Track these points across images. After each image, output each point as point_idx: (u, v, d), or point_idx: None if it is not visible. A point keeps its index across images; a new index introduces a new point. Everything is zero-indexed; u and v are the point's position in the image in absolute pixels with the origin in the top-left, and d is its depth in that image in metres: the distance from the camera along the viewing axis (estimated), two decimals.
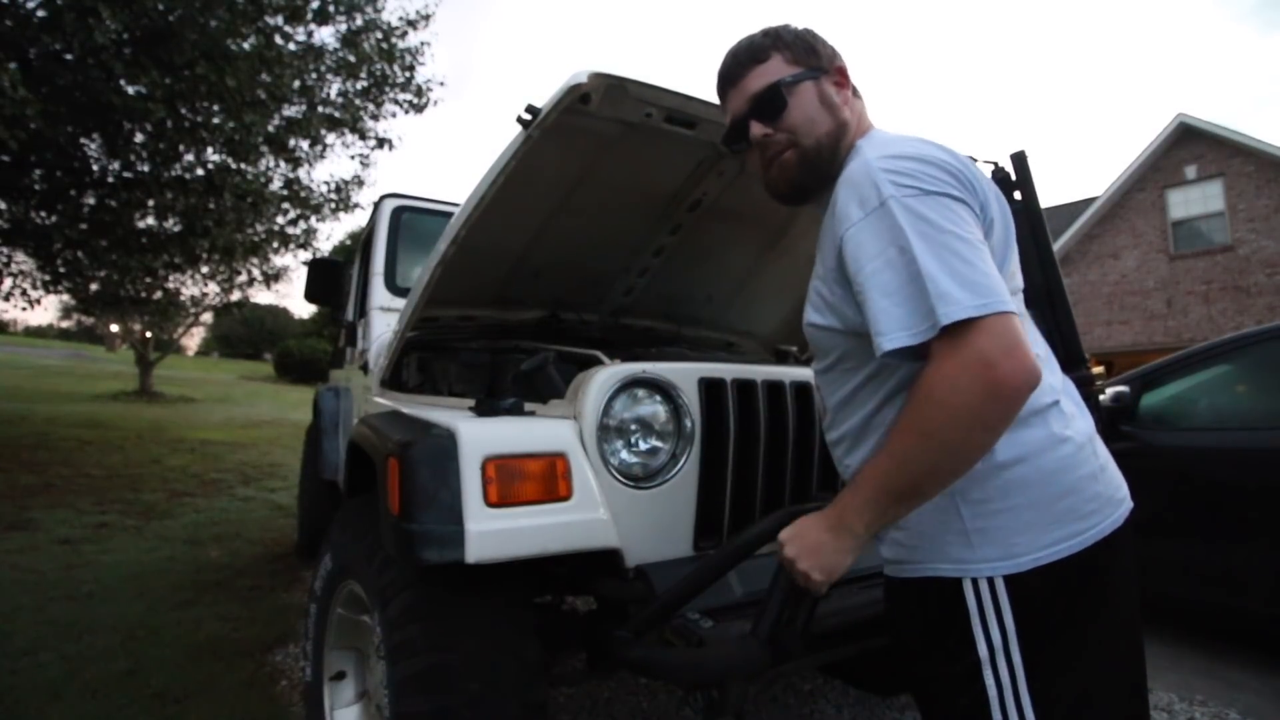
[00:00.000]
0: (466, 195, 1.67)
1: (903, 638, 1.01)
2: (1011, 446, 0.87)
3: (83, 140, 6.57)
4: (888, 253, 0.84)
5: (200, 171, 7.03)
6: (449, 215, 3.07)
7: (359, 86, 7.96)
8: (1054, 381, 0.93)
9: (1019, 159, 1.10)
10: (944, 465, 0.81)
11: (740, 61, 1.07)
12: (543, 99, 1.49)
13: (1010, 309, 0.79)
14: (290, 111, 7.23)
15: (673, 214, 2.06)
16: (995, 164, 1.10)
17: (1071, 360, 1.13)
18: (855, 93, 1.08)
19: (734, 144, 1.11)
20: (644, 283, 2.31)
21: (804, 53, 1.05)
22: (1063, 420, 0.90)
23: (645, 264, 2.23)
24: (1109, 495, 0.91)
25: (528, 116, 1.46)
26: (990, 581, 0.87)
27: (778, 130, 1.04)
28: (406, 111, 8.44)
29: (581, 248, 2.09)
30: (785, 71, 1.04)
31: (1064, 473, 0.88)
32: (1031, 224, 1.10)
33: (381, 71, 7.95)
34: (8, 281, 8.53)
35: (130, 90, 5.53)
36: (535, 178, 1.66)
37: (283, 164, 7.99)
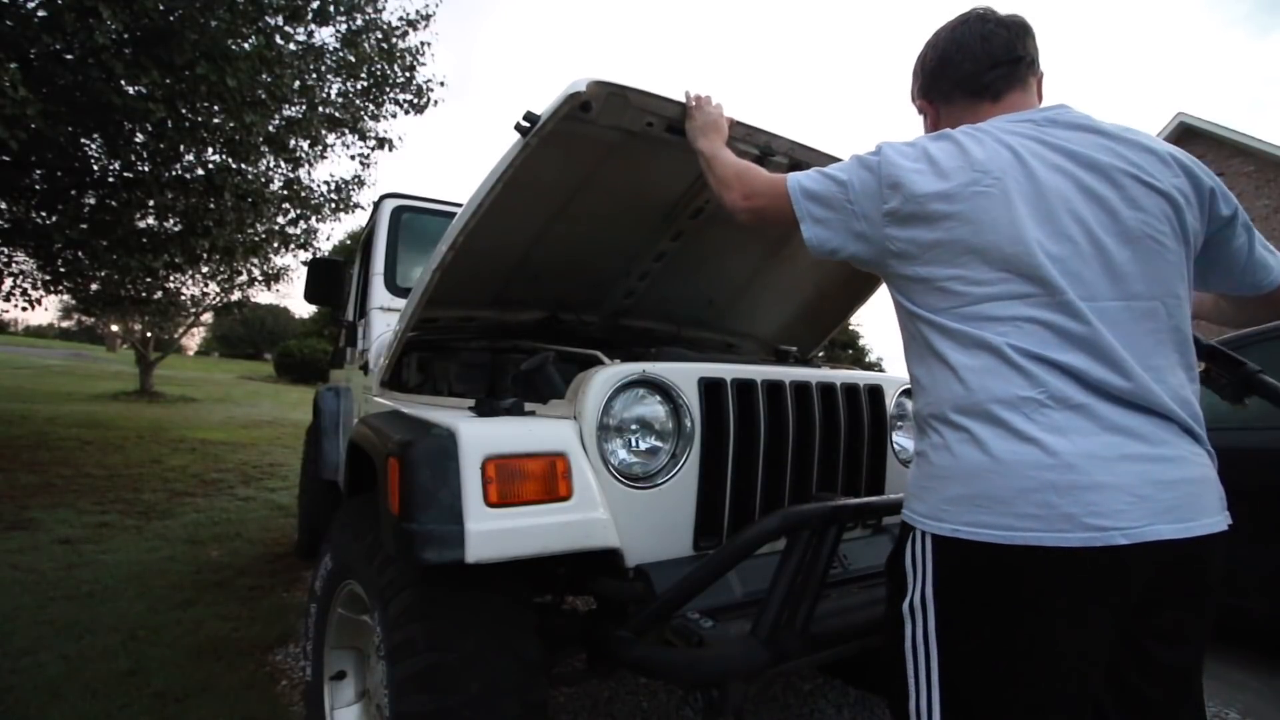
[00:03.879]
0: (467, 199, 1.67)
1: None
2: (968, 428, 0.92)
3: (83, 140, 6.56)
4: None
5: (200, 171, 7.02)
6: (449, 215, 3.07)
7: (359, 86, 7.94)
8: (1057, 386, 0.88)
9: None
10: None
11: None
12: (544, 103, 1.47)
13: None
14: (290, 111, 7.21)
15: (675, 220, 2.04)
16: None
17: None
18: (959, 103, 1.11)
19: None
20: (644, 286, 2.30)
21: (913, 100, 1.21)
22: (1039, 421, 0.87)
23: (646, 268, 2.22)
24: (1073, 514, 0.84)
25: (526, 124, 1.44)
26: (923, 538, 0.96)
27: None
28: (407, 112, 8.42)
29: (582, 252, 2.08)
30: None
31: (1011, 467, 0.87)
32: None
33: (381, 71, 7.93)
34: (8, 281, 8.52)
35: (130, 90, 5.52)
36: (535, 183, 1.65)
37: (283, 164, 7.97)
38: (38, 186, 6.99)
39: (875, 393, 1.77)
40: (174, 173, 6.81)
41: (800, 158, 1.74)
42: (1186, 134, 13.01)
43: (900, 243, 0.99)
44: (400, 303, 2.71)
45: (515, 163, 1.49)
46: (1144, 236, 0.94)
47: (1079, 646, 0.89)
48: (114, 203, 6.90)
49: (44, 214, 7.22)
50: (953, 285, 0.95)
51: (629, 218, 2.00)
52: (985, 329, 0.93)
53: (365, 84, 7.95)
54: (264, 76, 6.14)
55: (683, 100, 1.51)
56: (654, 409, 1.44)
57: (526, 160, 1.50)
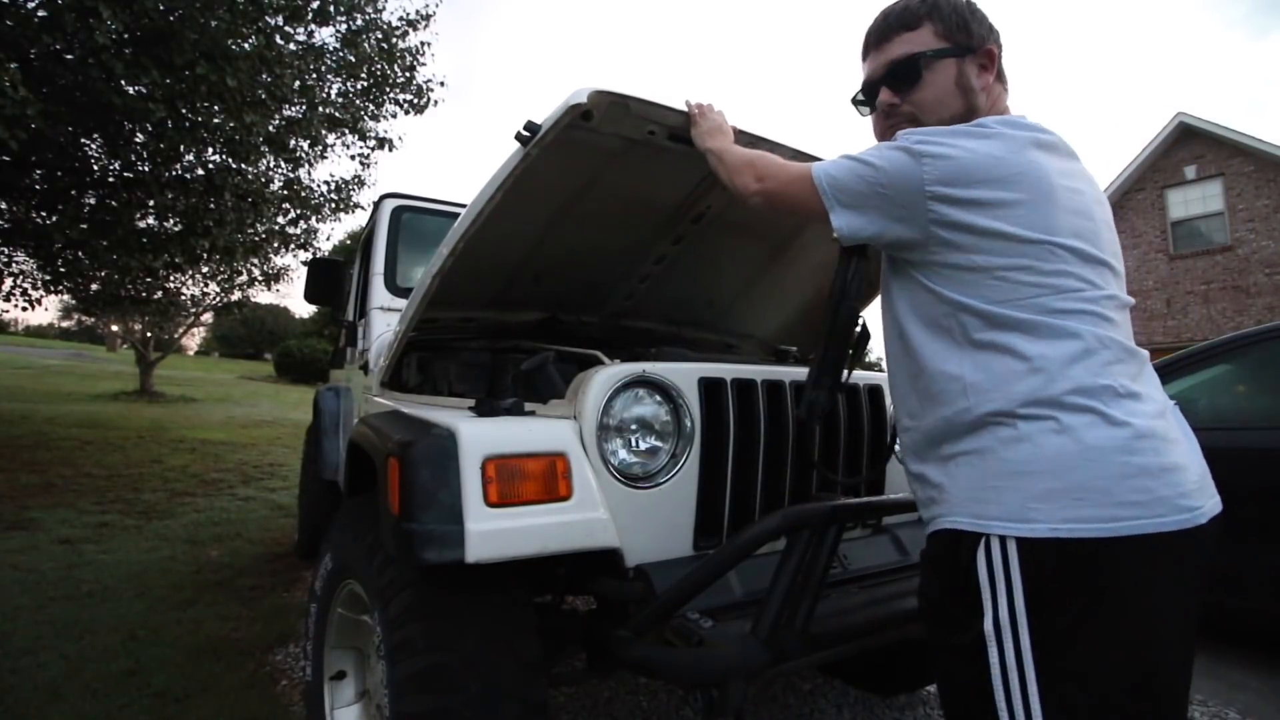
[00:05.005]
0: (468, 204, 1.66)
1: (923, 604, 1.03)
2: (1054, 417, 0.87)
3: (83, 140, 6.56)
4: None
5: (200, 171, 7.03)
6: (449, 215, 3.07)
7: (359, 86, 7.95)
8: (1122, 372, 0.91)
9: None
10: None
11: (890, 24, 1.09)
12: (544, 102, 1.47)
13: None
14: (290, 111, 7.22)
15: (675, 225, 2.04)
16: None
17: None
18: (1000, 77, 1.09)
19: (862, 104, 1.16)
20: (644, 288, 2.30)
21: (955, 28, 1.06)
22: (1120, 406, 0.87)
23: (646, 270, 2.22)
24: (1167, 497, 0.85)
25: (527, 134, 1.43)
26: (1003, 544, 0.87)
27: (905, 102, 1.08)
28: (407, 112, 8.42)
29: (582, 254, 2.08)
30: (931, 45, 1.06)
31: (1105, 453, 0.85)
32: None
33: (381, 71, 7.94)
34: (8, 281, 8.53)
35: (130, 90, 5.52)
36: (536, 188, 1.65)
37: (283, 164, 7.98)
38: (38, 186, 6.99)
39: (875, 393, 1.77)
40: (174, 173, 6.82)
41: None
42: (1186, 134, 13.02)
43: (949, 228, 0.93)
44: (400, 303, 2.71)
45: (515, 172, 1.48)
46: (1115, 240, 1.02)
47: (1179, 634, 0.88)
48: (114, 203, 6.90)
49: (44, 214, 7.23)
50: (1017, 276, 0.91)
51: (630, 222, 2.00)
52: (1064, 319, 0.91)
53: (365, 84, 7.96)
54: (264, 76, 6.15)
55: (684, 109, 1.50)
56: (654, 409, 1.44)
57: (526, 170, 1.49)
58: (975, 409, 0.93)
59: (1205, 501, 0.89)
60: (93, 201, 7.16)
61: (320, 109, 7.51)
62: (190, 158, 6.89)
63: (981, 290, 0.93)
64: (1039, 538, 0.84)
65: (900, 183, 0.95)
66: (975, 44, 1.06)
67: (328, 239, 24.83)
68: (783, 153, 1.70)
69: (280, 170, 8.12)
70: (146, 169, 6.61)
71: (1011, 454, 0.89)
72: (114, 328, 23.14)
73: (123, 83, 5.34)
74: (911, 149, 0.95)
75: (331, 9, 6.81)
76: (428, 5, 8.39)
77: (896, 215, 0.97)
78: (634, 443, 1.42)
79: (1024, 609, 0.85)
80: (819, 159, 1.75)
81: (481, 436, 1.25)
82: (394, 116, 8.65)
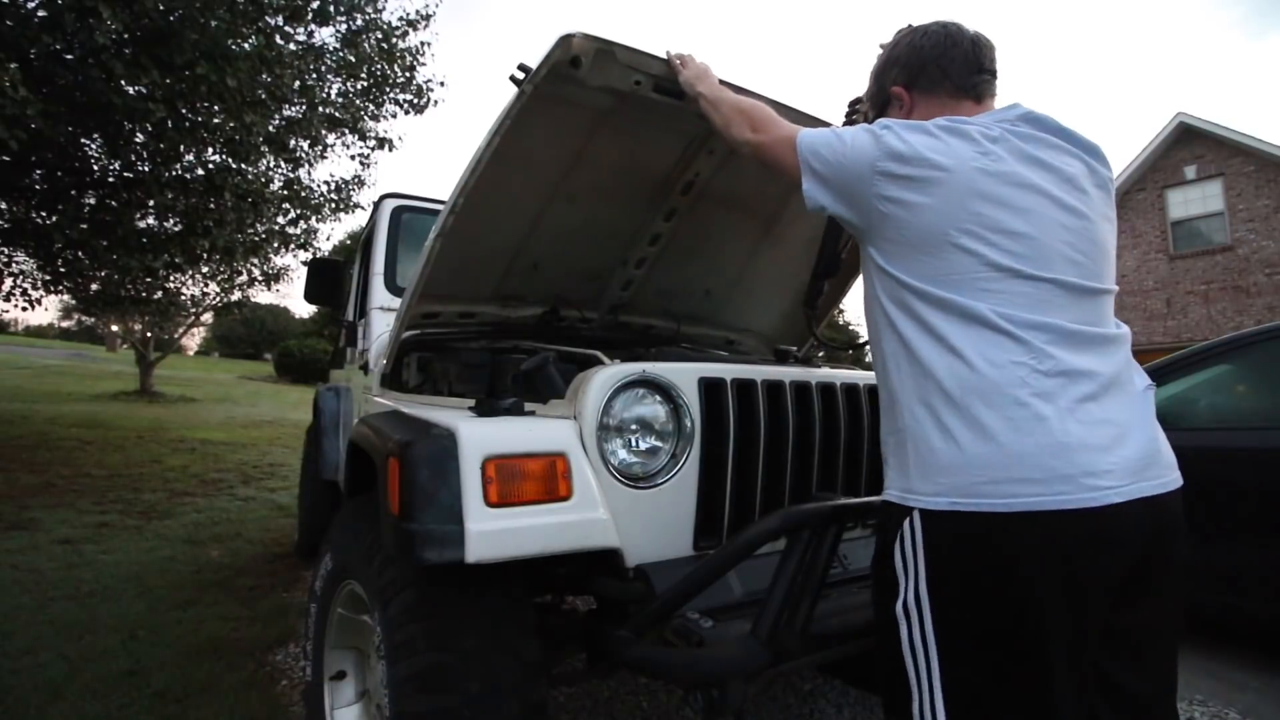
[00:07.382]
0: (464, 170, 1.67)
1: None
2: (965, 404, 0.90)
3: (83, 140, 6.56)
4: None
5: (200, 171, 7.02)
6: None
7: (359, 86, 7.96)
8: (1049, 355, 0.91)
9: None
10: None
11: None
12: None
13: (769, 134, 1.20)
14: (290, 111, 7.22)
15: (667, 197, 2.07)
16: None
17: None
18: (943, 96, 1.14)
19: None
20: (641, 275, 2.31)
21: (874, 95, 1.24)
22: (1029, 387, 0.89)
23: (642, 254, 2.24)
24: (1070, 475, 0.85)
25: (520, 74, 1.47)
26: (911, 522, 0.92)
27: None
28: (407, 112, 8.44)
29: (578, 237, 2.10)
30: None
31: (1009, 433, 0.87)
32: None
33: (381, 71, 7.94)
34: (8, 281, 8.53)
35: (130, 90, 5.52)
36: (529, 159, 1.67)
37: (283, 164, 7.99)
38: (38, 186, 6.99)
39: (875, 393, 1.77)
40: (174, 173, 6.81)
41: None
42: (1186, 134, 13.01)
43: (888, 203, 0.99)
44: (400, 303, 2.71)
45: (511, 114, 1.50)
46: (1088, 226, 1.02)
47: (1080, 619, 0.88)
48: (114, 203, 6.90)
49: (44, 214, 7.22)
50: (944, 253, 0.96)
51: (622, 196, 2.03)
52: (980, 300, 0.93)
53: (365, 84, 7.97)
54: (264, 76, 6.15)
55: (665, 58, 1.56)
56: (654, 409, 1.44)
57: (521, 115, 1.51)
58: (908, 390, 0.98)
59: (1124, 483, 0.88)
60: (93, 201, 7.15)
61: (320, 109, 7.51)
62: (190, 158, 6.89)
63: (914, 266, 0.98)
64: (939, 510, 0.89)
65: (856, 156, 1.03)
66: (884, 96, 1.21)
67: (328, 239, 24.92)
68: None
69: (280, 170, 8.13)
70: (146, 169, 6.61)
71: (925, 434, 0.93)
72: (114, 328, 23.12)
73: (123, 83, 5.34)
74: (874, 130, 1.03)
75: (331, 9, 6.82)
76: (428, 5, 8.41)
77: (844, 192, 1.05)
78: (634, 443, 1.42)
79: (926, 590, 0.90)
80: (804, 114, 1.77)
81: (481, 436, 1.25)
82: (394, 116, 8.68)
